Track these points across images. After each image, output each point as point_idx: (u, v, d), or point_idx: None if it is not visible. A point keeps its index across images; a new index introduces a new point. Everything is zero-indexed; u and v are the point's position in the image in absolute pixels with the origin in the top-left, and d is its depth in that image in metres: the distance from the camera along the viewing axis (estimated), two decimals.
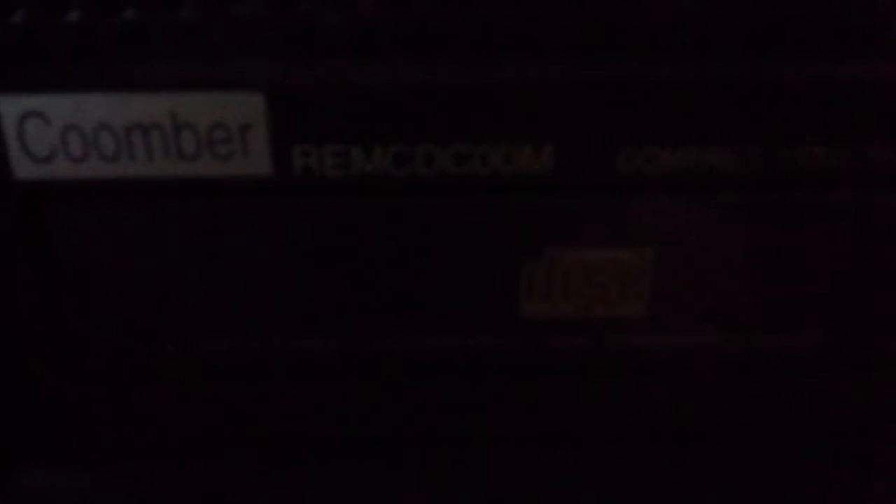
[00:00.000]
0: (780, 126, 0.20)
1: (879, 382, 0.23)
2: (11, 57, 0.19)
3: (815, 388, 0.23)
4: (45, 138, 0.19)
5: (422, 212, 0.20)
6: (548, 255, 0.21)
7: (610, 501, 0.23)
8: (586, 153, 0.20)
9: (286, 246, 0.21)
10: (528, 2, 0.19)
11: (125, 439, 0.24)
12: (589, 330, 0.22)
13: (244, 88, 0.19)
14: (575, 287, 0.22)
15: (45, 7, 0.18)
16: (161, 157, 0.20)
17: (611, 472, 0.24)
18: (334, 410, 0.23)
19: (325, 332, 0.22)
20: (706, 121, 0.20)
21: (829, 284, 0.21)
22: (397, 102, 0.19)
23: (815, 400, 0.24)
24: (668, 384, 0.23)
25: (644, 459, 0.23)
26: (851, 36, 0.19)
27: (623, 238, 0.21)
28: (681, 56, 0.19)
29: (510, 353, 0.22)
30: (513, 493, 0.23)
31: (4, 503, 0.24)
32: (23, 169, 0.20)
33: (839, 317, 0.22)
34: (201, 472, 0.24)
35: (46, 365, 0.22)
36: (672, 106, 0.19)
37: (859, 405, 0.23)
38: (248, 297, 0.21)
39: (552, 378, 0.23)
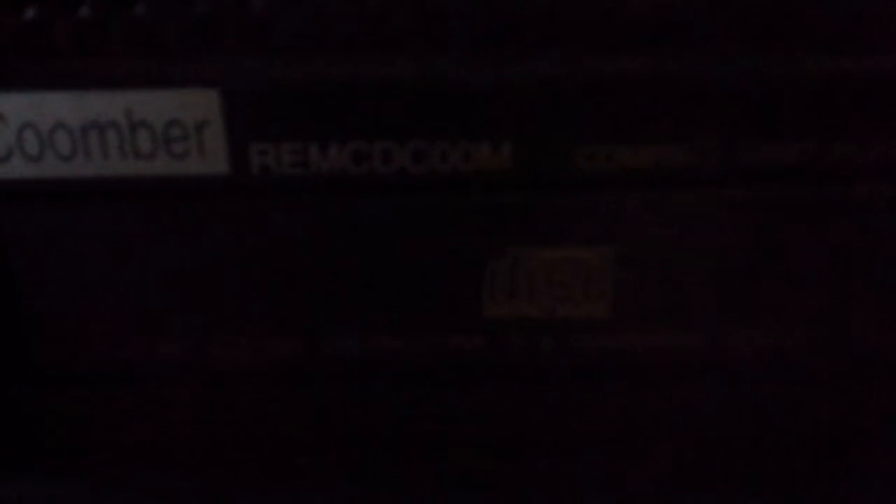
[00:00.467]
0: (738, 123, 0.20)
1: (843, 386, 0.23)
2: None
3: (784, 390, 0.23)
4: (1, 138, 0.19)
5: (381, 210, 0.20)
6: (511, 255, 0.21)
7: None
8: (544, 150, 0.20)
9: (246, 246, 0.21)
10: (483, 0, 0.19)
11: (94, 447, 0.24)
12: (553, 330, 0.22)
13: (199, 86, 0.19)
14: (538, 287, 0.21)
15: None
16: (117, 156, 0.20)
17: (574, 476, 0.23)
18: (300, 413, 0.23)
19: (288, 334, 0.22)
20: (664, 118, 0.19)
21: (792, 283, 0.21)
22: (354, 99, 0.19)
23: (784, 402, 0.23)
24: (634, 385, 0.23)
25: (610, 462, 0.23)
26: (806, 33, 0.19)
27: (586, 236, 0.21)
28: (638, 53, 0.19)
29: (474, 354, 0.22)
30: (477, 494, 0.23)
31: None
32: None
33: (803, 315, 0.22)
34: (176, 479, 0.24)
35: (8, 369, 0.22)
36: (630, 103, 0.19)
37: (827, 408, 0.23)
38: (208, 299, 0.21)
39: (517, 379, 0.23)
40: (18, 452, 0.23)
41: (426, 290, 0.21)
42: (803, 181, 0.20)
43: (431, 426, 0.23)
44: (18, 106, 0.19)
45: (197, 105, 0.19)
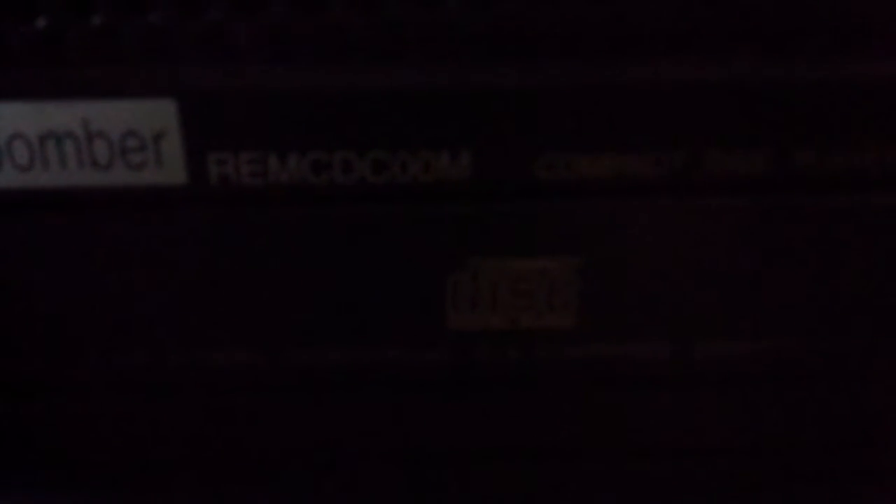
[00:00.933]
0: (701, 132, 0.20)
1: (811, 395, 0.23)
2: None
3: (751, 399, 0.23)
4: None
5: (341, 221, 0.20)
6: (472, 265, 0.21)
7: None
8: (504, 160, 0.20)
9: (204, 257, 0.20)
10: (440, 8, 0.19)
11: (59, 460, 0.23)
12: (518, 341, 0.22)
13: (156, 95, 0.19)
14: (501, 297, 0.21)
15: None
16: (75, 166, 0.19)
17: (542, 485, 0.23)
18: (263, 426, 0.23)
19: (250, 346, 0.22)
20: (625, 128, 0.19)
21: (757, 291, 0.21)
22: (312, 109, 0.19)
23: (751, 411, 0.23)
24: (600, 395, 0.23)
25: (577, 472, 0.23)
26: (766, 42, 0.19)
27: (548, 246, 0.21)
28: (596, 62, 0.19)
29: (439, 365, 0.22)
30: None
31: None
32: None
33: (769, 324, 0.22)
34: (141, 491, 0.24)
35: None
36: (590, 113, 0.19)
37: (795, 416, 0.23)
38: (168, 311, 0.21)
39: (482, 390, 0.22)
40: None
41: (388, 301, 0.21)
42: (766, 190, 0.20)
43: (397, 438, 0.23)
44: None
45: (154, 115, 0.19)
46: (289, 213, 0.20)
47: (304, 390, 0.22)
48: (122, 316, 0.21)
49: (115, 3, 0.18)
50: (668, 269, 0.21)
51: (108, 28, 0.19)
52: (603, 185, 0.20)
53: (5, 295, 0.21)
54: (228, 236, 0.20)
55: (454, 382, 0.22)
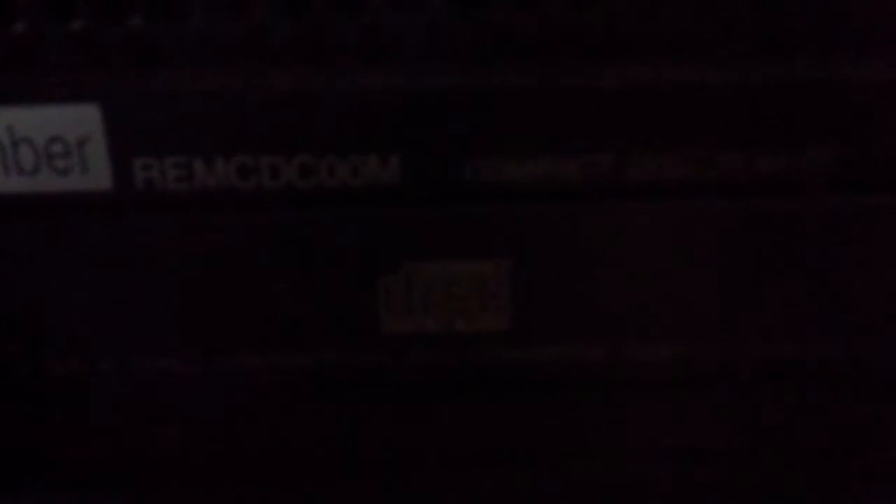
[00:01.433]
0: (626, 135, 0.20)
1: (748, 399, 0.23)
2: None
3: (685, 402, 0.23)
4: None
5: (271, 226, 0.20)
6: (405, 269, 0.21)
7: None
8: (433, 163, 0.20)
9: (133, 263, 0.20)
10: (367, 13, 0.19)
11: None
12: (453, 344, 0.22)
13: (80, 101, 0.19)
14: (435, 300, 0.21)
15: None
16: (1, 172, 0.19)
17: (480, 489, 0.23)
18: (199, 431, 0.23)
19: (181, 352, 0.21)
20: (552, 131, 0.20)
21: (687, 293, 0.21)
22: (238, 113, 0.19)
23: (688, 414, 0.23)
24: (536, 398, 0.23)
25: (515, 475, 0.23)
26: (691, 44, 0.19)
27: (480, 249, 0.21)
28: (525, 66, 0.19)
29: (374, 369, 0.22)
30: None
31: None
32: None
33: (699, 326, 0.22)
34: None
35: None
36: (518, 116, 0.19)
37: (728, 422, 0.23)
38: (96, 316, 0.21)
39: (419, 394, 0.22)
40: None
41: (322, 306, 0.21)
42: (692, 193, 0.20)
43: (334, 443, 0.23)
44: None
45: (78, 121, 0.19)
46: (216, 217, 0.20)
47: (239, 396, 0.22)
48: (49, 322, 0.21)
49: (38, 11, 0.18)
50: (598, 271, 0.21)
51: (31, 35, 0.18)
52: (532, 188, 0.20)
53: None
54: (155, 241, 0.20)
55: (391, 386, 0.22)
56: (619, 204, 0.20)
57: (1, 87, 0.19)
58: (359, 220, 0.20)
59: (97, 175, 0.19)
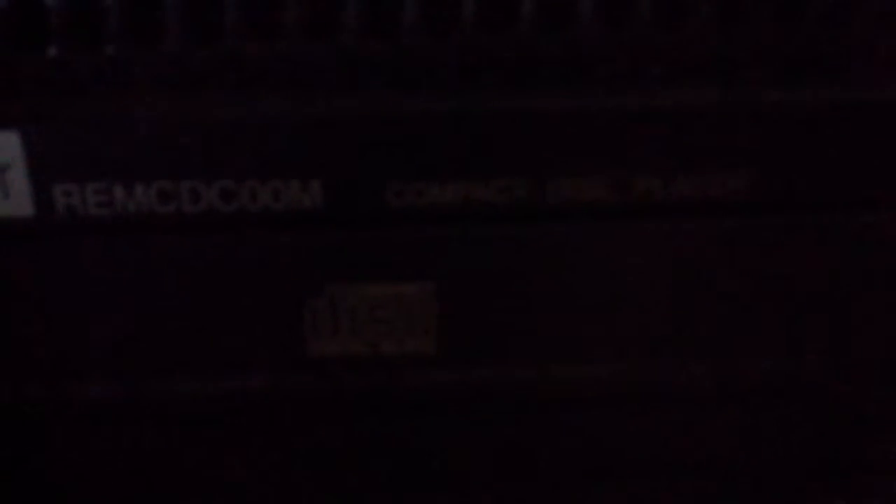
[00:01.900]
0: (543, 160, 0.20)
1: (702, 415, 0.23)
2: None
3: (623, 422, 0.24)
4: None
5: (192, 250, 0.20)
6: (328, 292, 0.21)
7: None
8: (354, 188, 0.20)
9: (57, 289, 0.20)
10: (283, 39, 0.19)
11: None
12: (380, 367, 0.22)
13: (0, 128, 0.19)
14: (360, 323, 0.21)
15: None
16: None
17: None
18: (133, 459, 0.23)
19: (106, 377, 0.21)
20: (470, 155, 0.20)
21: (612, 313, 0.22)
22: (156, 138, 0.19)
23: (626, 433, 0.24)
24: (464, 421, 0.23)
25: (442, 499, 0.23)
26: (607, 70, 0.20)
27: (405, 272, 0.21)
28: (443, 92, 0.20)
29: (301, 392, 0.22)
30: None
31: None
32: None
33: (629, 346, 0.22)
34: None
35: None
36: (438, 141, 0.20)
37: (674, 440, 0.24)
38: (22, 342, 0.21)
39: (346, 417, 0.23)
40: None
41: (247, 330, 0.21)
42: (609, 216, 0.20)
43: (261, 468, 0.23)
44: None
45: None
46: (139, 243, 0.20)
47: (168, 421, 0.22)
48: None
49: None
50: (522, 292, 0.21)
51: None
52: (453, 211, 0.20)
53: None
54: (78, 267, 0.20)
55: (319, 409, 0.22)
56: (538, 226, 0.21)
57: None
58: (282, 245, 0.20)
59: (19, 201, 0.19)
